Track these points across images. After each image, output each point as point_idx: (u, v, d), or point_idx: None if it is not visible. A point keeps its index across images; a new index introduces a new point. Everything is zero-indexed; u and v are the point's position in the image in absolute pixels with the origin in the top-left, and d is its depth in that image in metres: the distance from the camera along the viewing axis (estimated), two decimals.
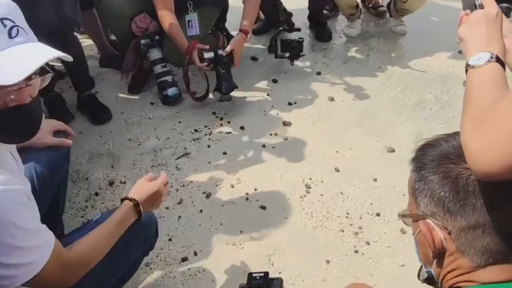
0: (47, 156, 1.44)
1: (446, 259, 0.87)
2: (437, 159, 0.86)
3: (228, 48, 2.38)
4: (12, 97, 0.97)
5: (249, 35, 2.48)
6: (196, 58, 2.34)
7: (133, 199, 1.29)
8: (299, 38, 2.73)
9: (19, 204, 0.96)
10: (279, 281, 1.21)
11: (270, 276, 1.24)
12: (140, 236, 1.35)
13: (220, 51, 2.36)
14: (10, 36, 0.95)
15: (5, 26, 0.95)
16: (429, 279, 1.41)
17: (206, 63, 2.36)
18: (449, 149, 0.85)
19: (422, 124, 2.39)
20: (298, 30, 2.90)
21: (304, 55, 2.76)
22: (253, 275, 1.22)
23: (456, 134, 0.86)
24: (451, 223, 0.83)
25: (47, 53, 0.98)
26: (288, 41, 2.71)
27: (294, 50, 2.70)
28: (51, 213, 1.53)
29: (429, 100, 2.56)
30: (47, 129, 1.48)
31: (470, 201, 0.80)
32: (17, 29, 0.96)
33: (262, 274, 1.21)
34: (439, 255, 0.89)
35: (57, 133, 1.51)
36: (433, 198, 0.85)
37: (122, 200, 1.30)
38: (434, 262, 0.90)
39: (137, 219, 1.29)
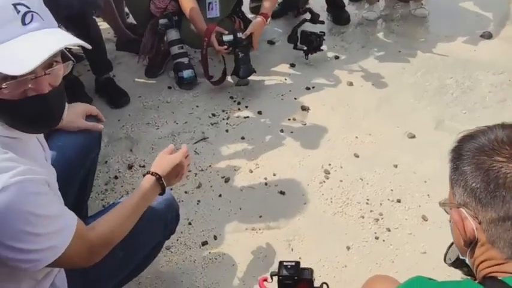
0: (79, 140, 1.44)
1: (478, 249, 0.88)
2: (472, 151, 0.87)
3: (247, 31, 2.35)
4: (30, 86, 0.94)
5: (269, 19, 2.44)
6: (215, 41, 2.32)
7: (155, 173, 1.25)
8: (320, 32, 2.64)
9: (37, 194, 0.94)
10: (310, 271, 1.18)
11: (301, 266, 1.22)
12: (161, 221, 1.35)
13: (239, 34, 2.33)
14: (24, 23, 0.92)
15: (18, 12, 0.91)
16: (456, 263, 1.39)
17: (225, 47, 2.34)
18: (485, 141, 0.86)
19: (443, 110, 2.35)
20: (322, 22, 2.81)
21: (322, 50, 2.66)
22: (284, 263, 1.19)
23: (496, 126, 0.86)
24: (482, 214, 0.84)
25: (61, 41, 0.94)
26: (308, 33, 2.62)
27: (311, 44, 2.60)
28: (79, 197, 1.53)
29: (450, 85, 2.51)
30: (80, 113, 1.47)
31: (500, 193, 0.81)
32: (32, 15, 0.93)
33: (293, 263, 1.18)
34: (471, 244, 0.89)
35: (88, 117, 1.50)
36: (466, 189, 0.87)
37: (144, 175, 1.28)
38: (468, 251, 0.90)
39: (161, 193, 1.27)
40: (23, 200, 0.91)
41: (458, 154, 0.91)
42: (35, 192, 0.94)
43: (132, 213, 1.17)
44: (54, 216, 0.98)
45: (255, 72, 2.44)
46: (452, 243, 1.49)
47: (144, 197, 1.21)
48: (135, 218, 1.18)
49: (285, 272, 1.17)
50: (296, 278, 1.15)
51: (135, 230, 1.20)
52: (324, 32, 2.68)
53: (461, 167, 0.88)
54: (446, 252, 1.46)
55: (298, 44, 2.66)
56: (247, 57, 2.38)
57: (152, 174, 1.26)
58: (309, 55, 2.64)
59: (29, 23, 0.92)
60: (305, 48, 2.63)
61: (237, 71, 2.40)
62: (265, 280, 1.27)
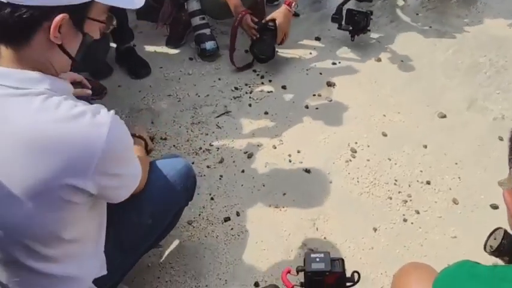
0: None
1: None
2: None
3: (268, 18, 2.26)
4: (114, 24, 1.05)
5: (293, 4, 2.26)
6: (248, 18, 2.24)
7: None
8: (367, 11, 2.47)
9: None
10: (341, 262, 1.05)
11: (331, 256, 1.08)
12: (182, 187, 1.35)
13: (270, 24, 2.25)
14: None
15: None
16: (496, 252, 1.33)
17: (256, 27, 2.26)
18: None
19: (476, 89, 2.25)
20: (369, 0, 2.62)
21: (369, 30, 2.50)
22: (312, 255, 1.06)
23: None
24: None
25: None
26: (354, 12, 2.43)
27: (358, 24, 2.42)
28: None
29: (483, 64, 2.40)
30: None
31: None
32: None
33: (322, 255, 1.05)
34: None
35: (73, 84, 1.49)
36: None
37: None
38: None
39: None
40: (124, 129, 0.99)
41: None
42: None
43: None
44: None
45: (272, 58, 2.33)
46: (492, 232, 1.43)
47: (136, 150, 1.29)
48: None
49: (314, 267, 1.04)
50: (327, 273, 1.02)
51: (160, 197, 1.27)
52: (371, 11, 2.51)
53: None
54: (487, 240, 1.41)
55: (343, 24, 2.47)
56: (272, 41, 2.28)
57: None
58: (355, 36, 2.48)
59: None
60: (351, 28, 2.45)
61: (258, 52, 2.31)
62: (289, 272, 1.17)
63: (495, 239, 1.33)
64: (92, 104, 1.02)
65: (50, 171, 0.91)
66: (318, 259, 1.04)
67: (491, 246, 1.30)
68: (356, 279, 0.99)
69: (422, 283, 0.89)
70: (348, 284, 1.01)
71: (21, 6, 0.89)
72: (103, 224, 1.14)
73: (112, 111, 0.99)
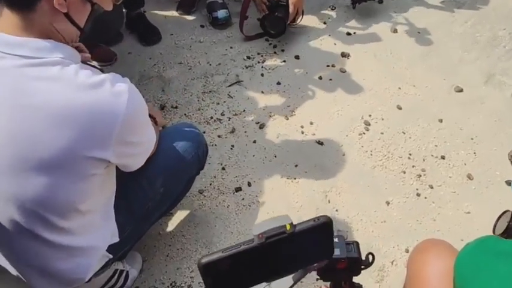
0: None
1: None
2: None
3: None
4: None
5: None
6: None
7: None
8: None
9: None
10: (355, 245, 0.99)
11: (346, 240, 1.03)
12: (194, 154, 1.34)
13: (282, 1, 2.19)
14: None
15: None
16: (504, 234, 1.33)
17: (267, 3, 2.21)
18: None
19: (495, 63, 2.19)
20: None
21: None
22: None
23: None
24: None
25: None
26: None
27: None
28: None
29: (503, 37, 2.33)
30: None
31: None
32: None
33: (336, 239, 0.92)
34: None
35: None
36: None
37: None
38: None
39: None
40: (140, 97, 1.00)
41: None
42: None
43: None
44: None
45: (283, 33, 2.26)
46: (501, 214, 1.42)
47: None
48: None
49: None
50: (343, 260, 0.92)
51: (171, 166, 1.27)
52: None
53: None
54: (496, 223, 1.40)
55: None
56: (283, 16, 2.22)
57: None
58: (357, 4, 2.42)
59: None
60: None
61: (268, 23, 2.24)
62: None
63: (504, 222, 1.32)
64: (103, 71, 1.00)
65: (74, 142, 0.90)
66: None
67: (500, 228, 1.29)
68: (370, 261, 0.95)
69: (442, 259, 0.87)
70: (362, 267, 0.96)
71: None
72: (113, 194, 1.14)
73: (127, 79, 0.98)
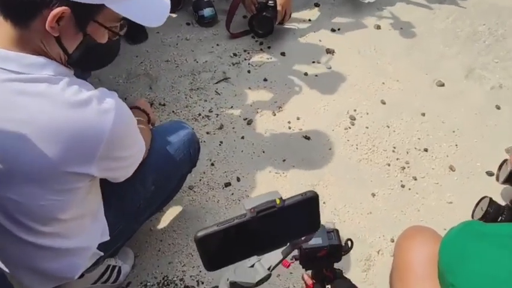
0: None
1: None
2: None
3: None
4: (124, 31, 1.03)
5: None
6: None
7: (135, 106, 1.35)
8: None
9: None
10: (335, 232, 0.97)
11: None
12: (186, 154, 1.36)
13: (270, 2, 2.22)
14: None
15: None
16: (483, 219, 1.39)
17: (256, 5, 2.25)
18: None
19: (475, 58, 2.25)
20: None
21: None
22: None
23: None
24: None
25: None
26: None
27: None
28: None
29: (482, 32, 2.40)
30: None
31: None
32: None
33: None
34: None
35: None
36: None
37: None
38: None
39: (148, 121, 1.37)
40: (127, 112, 1.00)
41: None
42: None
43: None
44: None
45: (270, 33, 2.29)
46: (479, 201, 1.48)
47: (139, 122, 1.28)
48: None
49: (311, 243, 0.95)
50: (325, 248, 0.95)
51: (163, 165, 1.27)
52: None
53: None
54: (474, 208, 1.45)
55: None
56: (271, 17, 2.24)
57: (134, 108, 1.34)
58: None
59: None
60: None
61: (255, 23, 2.27)
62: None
63: (482, 207, 1.38)
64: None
65: (57, 158, 0.91)
66: (307, 240, 0.92)
67: (478, 213, 1.35)
68: (350, 246, 0.98)
69: (427, 245, 0.91)
70: (342, 253, 0.98)
71: None
72: (101, 199, 1.15)
73: (115, 95, 0.98)
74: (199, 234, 0.62)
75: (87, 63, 1.00)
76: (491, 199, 1.44)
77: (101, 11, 0.93)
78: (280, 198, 0.65)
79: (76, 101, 0.91)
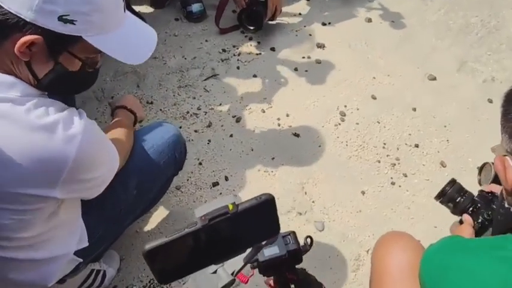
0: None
1: None
2: None
3: None
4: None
5: None
6: None
7: (123, 105, 1.33)
8: None
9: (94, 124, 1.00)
10: (292, 235, 0.90)
11: (281, 232, 0.82)
12: (171, 156, 1.32)
13: None
14: (124, 10, 0.96)
15: None
16: (439, 197, 1.33)
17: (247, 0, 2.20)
18: None
19: (467, 50, 2.22)
20: None
21: None
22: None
23: None
24: None
25: (151, 30, 1.04)
26: None
27: None
28: None
29: (475, 24, 2.36)
30: None
31: None
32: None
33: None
34: None
35: None
36: (510, 137, 0.79)
37: (113, 111, 1.34)
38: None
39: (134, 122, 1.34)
40: (96, 134, 0.98)
41: (508, 99, 0.82)
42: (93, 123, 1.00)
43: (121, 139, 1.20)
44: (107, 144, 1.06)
45: (259, 29, 2.24)
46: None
47: (120, 123, 1.26)
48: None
49: (267, 254, 0.86)
50: (284, 256, 0.86)
51: (146, 167, 1.24)
52: None
53: (509, 113, 0.80)
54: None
55: None
56: (261, 13, 2.20)
57: (121, 107, 1.33)
58: None
59: (124, 8, 0.96)
60: None
61: (245, 18, 2.23)
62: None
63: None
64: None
65: (15, 181, 0.88)
66: (269, 244, 0.84)
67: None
68: (309, 244, 0.92)
69: (404, 252, 0.89)
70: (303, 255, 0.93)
71: (0, 6, 0.83)
72: (78, 206, 1.11)
73: (84, 115, 0.95)
74: (147, 247, 0.60)
75: (57, 89, 0.96)
76: (455, 180, 1.38)
77: (77, 42, 0.90)
78: (233, 204, 0.63)
79: (40, 124, 0.87)
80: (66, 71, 0.93)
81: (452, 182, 1.36)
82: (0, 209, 0.91)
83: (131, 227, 1.52)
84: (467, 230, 1.07)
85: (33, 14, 0.83)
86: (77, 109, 0.98)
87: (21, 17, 0.83)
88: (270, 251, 0.85)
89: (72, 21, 0.86)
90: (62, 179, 0.91)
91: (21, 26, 0.84)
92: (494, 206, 1.22)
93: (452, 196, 1.31)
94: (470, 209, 1.24)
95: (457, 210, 1.29)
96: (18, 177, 0.88)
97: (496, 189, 1.15)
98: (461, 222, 1.18)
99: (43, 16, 0.84)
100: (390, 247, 0.93)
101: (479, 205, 1.24)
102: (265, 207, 0.65)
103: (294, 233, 0.89)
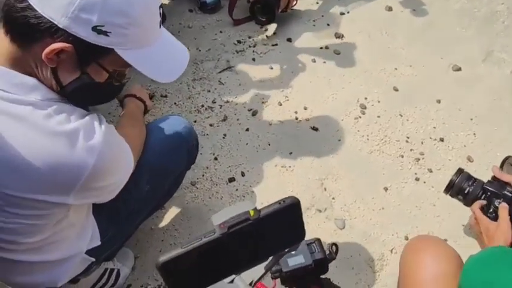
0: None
1: None
2: None
3: None
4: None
5: None
6: None
7: (132, 94, 1.31)
8: None
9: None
10: (317, 243, 0.86)
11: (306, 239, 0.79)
12: (183, 150, 1.28)
13: None
14: (159, 26, 0.94)
15: (160, 14, 0.92)
16: (447, 189, 1.26)
17: None
18: None
19: (493, 40, 2.12)
20: None
21: None
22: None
23: None
24: None
25: (184, 49, 1.01)
26: None
27: None
28: None
29: (501, 12, 2.26)
30: None
31: None
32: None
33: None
34: None
35: None
36: None
37: (121, 100, 1.31)
38: None
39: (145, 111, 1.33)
40: (115, 142, 0.97)
41: None
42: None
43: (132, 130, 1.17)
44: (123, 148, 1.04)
45: (272, 20, 2.17)
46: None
47: (132, 114, 1.24)
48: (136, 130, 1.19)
49: (292, 264, 0.82)
50: (310, 266, 0.82)
51: (158, 161, 1.20)
52: None
53: None
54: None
55: None
56: (273, 4, 2.13)
57: (130, 96, 1.31)
58: None
59: (160, 24, 0.94)
60: None
61: (257, 9, 2.17)
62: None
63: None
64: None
65: (28, 186, 0.85)
66: (292, 251, 0.80)
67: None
68: (335, 252, 0.86)
69: (437, 262, 0.82)
70: (329, 263, 0.87)
71: (35, 10, 0.80)
72: (89, 206, 1.09)
73: (103, 121, 0.93)
74: (161, 259, 0.54)
75: (79, 98, 0.93)
76: (462, 170, 1.31)
77: (108, 54, 0.86)
78: (255, 209, 0.57)
79: (60, 131, 0.84)
80: (92, 81, 0.90)
81: (459, 171, 1.30)
82: (10, 214, 0.88)
83: (146, 224, 1.48)
84: (501, 233, 1.00)
85: (67, 21, 0.81)
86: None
87: (54, 22, 0.81)
88: (294, 261, 0.80)
89: (106, 33, 0.83)
90: (77, 187, 0.88)
91: (53, 31, 0.82)
92: (506, 193, 1.16)
93: (460, 186, 1.25)
94: (482, 197, 1.20)
95: (468, 200, 1.25)
96: (32, 183, 0.85)
97: None
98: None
99: (77, 24, 0.81)
100: (421, 255, 0.86)
101: (489, 193, 1.20)
102: (290, 212, 0.59)
103: (319, 240, 0.83)
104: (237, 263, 0.59)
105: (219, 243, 0.55)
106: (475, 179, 1.27)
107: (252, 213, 0.56)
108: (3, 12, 0.83)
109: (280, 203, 0.58)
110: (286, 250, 0.64)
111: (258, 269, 0.65)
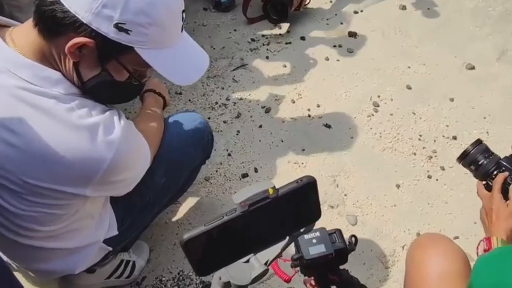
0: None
1: None
2: None
3: None
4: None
5: None
6: None
7: (151, 89, 1.31)
8: None
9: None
10: (338, 233, 0.85)
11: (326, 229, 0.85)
12: (199, 144, 1.31)
13: None
14: (181, 30, 0.95)
15: (182, 18, 0.93)
16: (461, 158, 1.19)
17: None
18: None
19: (508, 38, 2.12)
20: None
21: None
22: (305, 237, 0.82)
23: None
24: None
25: (204, 54, 1.01)
26: None
27: None
28: None
29: None
30: None
31: None
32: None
33: (318, 233, 0.82)
34: None
35: None
36: None
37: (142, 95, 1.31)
38: None
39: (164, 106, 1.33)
40: (133, 137, 1.00)
41: None
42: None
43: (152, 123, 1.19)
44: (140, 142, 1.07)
45: (285, 19, 2.19)
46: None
47: (151, 109, 1.25)
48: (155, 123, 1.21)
49: (313, 252, 0.80)
50: (331, 255, 0.81)
51: (175, 155, 1.22)
52: None
53: None
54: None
55: None
56: (286, 3, 2.15)
57: (150, 91, 1.31)
58: None
59: (182, 28, 0.95)
60: None
61: (270, 8, 2.19)
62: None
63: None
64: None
65: (49, 177, 0.88)
66: (314, 240, 0.82)
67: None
68: (354, 243, 0.87)
69: (443, 259, 0.83)
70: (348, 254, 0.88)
71: (62, 4, 0.83)
72: (107, 200, 1.12)
73: (123, 117, 0.95)
74: (185, 237, 0.57)
75: (99, 95, 0.95)
76: (480, 142, 1.22)
77: (128, 53, 0.89)
78: (274, 188, 0.59)
79: (81, 125, 0.87)
80: (112, 79, 0.93)
81: (477, 141, 1.18)
82: (31, 202, 0.91)
83: (161, 218, 1.51)
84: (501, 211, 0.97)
85: (90, 17, 0.83)
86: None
87: (79, 17, 0.83)
88: (316, 249, 0.81)
89: (127, 31, 0.85)
90: (95, 180, 0.91)
91: (77, 26, 0.84)
92: None
93: (475, 157, 1.14)
94: (494, 172, 1.09)
95: (479, 173, 1.14)
96: (52, 174, 0.88)
97: None
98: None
99: (99, 20, 0.83)
100: (427, 252, 0.87)
101: (503, 168, 1.09)
102: (307, 191, 0.61)
103: (339, 230, 0.85)
104: (255, 241, 0.61)
105: (240, 220, 0.57)
106: (492, 153, 1.16)
107: (271, 191, 0.58)
108: (34, 4, 0.87)
109: (297, 182, 0.60)
110: (302, 230, 0.66)
111: (274, 250, 0.67)
